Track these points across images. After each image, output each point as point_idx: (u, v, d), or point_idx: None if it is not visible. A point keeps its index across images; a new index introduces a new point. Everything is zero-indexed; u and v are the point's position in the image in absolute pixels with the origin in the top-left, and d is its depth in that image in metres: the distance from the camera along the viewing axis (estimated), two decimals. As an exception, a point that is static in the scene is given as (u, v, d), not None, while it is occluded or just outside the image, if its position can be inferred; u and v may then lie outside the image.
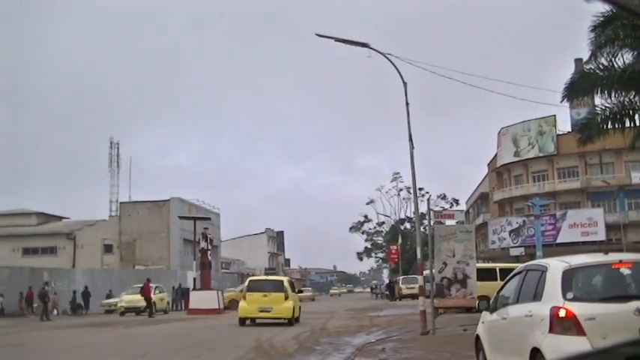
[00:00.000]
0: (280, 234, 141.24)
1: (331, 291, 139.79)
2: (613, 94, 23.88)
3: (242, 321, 29.32)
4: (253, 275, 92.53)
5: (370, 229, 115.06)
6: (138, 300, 43.36)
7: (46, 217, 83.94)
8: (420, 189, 71.93)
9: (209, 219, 64.31)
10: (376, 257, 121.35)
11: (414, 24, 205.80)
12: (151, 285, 43.42)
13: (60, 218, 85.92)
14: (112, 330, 29.32)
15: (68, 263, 71.57)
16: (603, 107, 24.86)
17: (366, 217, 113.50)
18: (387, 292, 76.70)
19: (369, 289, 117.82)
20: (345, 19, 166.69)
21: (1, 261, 67.21)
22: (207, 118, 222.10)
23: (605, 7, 23.23)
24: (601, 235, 66.33)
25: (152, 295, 43.04)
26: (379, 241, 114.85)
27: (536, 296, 8.96)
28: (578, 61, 45.56)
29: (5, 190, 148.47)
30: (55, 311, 46.96)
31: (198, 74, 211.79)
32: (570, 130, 69.75)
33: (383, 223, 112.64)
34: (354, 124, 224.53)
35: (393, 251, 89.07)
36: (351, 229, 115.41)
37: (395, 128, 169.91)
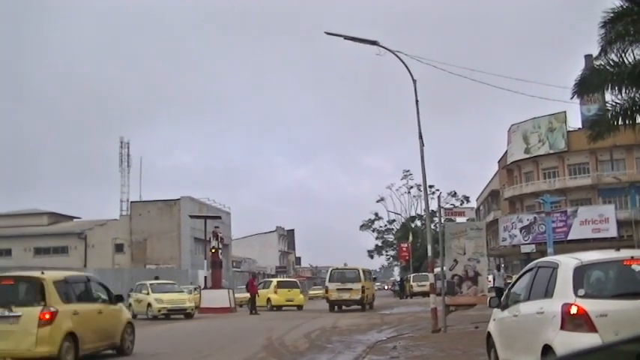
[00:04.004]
0: (291, 232, 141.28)
1: (310, 292, 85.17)
2: (624, 90, 23.83)
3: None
4: (264, 274, 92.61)
5: (381, 226, 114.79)
6: (182, 300, 38.33)
7: (57, 217, 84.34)
8: (431, 186, 71.93)
9: (220, 218, 64.31)
10: (387, 255, 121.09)
11: (415, 21, 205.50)
12: (255, 282, 43.59)
13: (71, 218, 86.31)
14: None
15: (79, 263, 71.80)
16: (614, 103, 24.80)
17: (376, 214, 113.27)
18: (397, 290, 76.74)
19: (384, 287, 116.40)
20: (349, 18, 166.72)
21: (13, 261, 67.56)
22: (213, 117, 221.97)
23: (616, 3, 23.21)
24: (612, 232, 66.16)
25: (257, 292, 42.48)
26: (390, 239, 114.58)
27: (548, 293, 8.95)
28: (588, 57, 45.31)
29: (16, 191, 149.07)
30: None
31: (204, 73, 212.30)
32: (581, 126, 69.57)
33: (394, 220, 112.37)
34: (360, 123, 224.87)
35: (404, 249, 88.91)
36: (361, 227, 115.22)
37: (401, 126, 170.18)
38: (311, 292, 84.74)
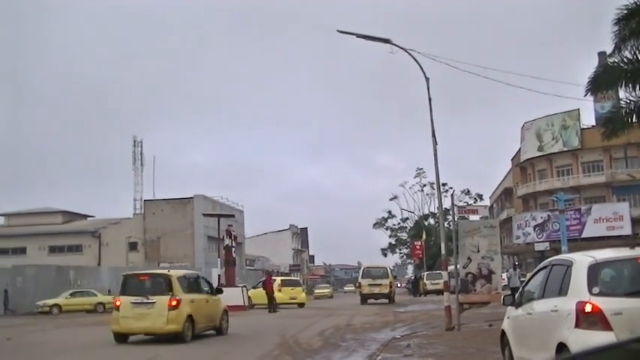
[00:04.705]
0: (304, 230, 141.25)
1: (316, 290, 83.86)
2: (637, 88, 23.74)
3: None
4: (278, 272, 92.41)
5: (394, 225, 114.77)
6: None
7: (71, 216, 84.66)
8: (444, 184, 71.68)
9: (233, 216, 64.36)
10: (400, 253, 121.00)
11: (416, 21, 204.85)
12: (272, 280, 43.62)
13: (85, 217, 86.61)
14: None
15: (93, 261, 72.15)
16: (628, 101, 24.74)
17: (389, 212, 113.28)
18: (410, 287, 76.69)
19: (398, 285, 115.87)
20: (351, 17, 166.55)
21: (28, 259, 67.96)
22: (225, 116, 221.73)
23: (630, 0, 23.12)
24: (627, 230, 65.80)
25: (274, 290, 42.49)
26: (403, 237, 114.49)
27: (562, 291, 8.92)
28: (601, 54, 45.20)
29: (31, 189, 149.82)
30: None
31: (215, 72, 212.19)
32: (594, 124, 69.34)
33: (407, 219, 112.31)
34: (372, 121, 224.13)
35: (418, 247, 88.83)
36: (375, 225, 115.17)
37: (413, 124, 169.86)
38: (317, 290, 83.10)
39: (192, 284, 22.38)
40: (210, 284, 24.30)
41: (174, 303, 20.14)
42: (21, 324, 35.08)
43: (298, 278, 68.14)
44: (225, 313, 23.80)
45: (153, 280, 21.57)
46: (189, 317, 20.60)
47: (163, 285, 20.86)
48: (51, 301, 47.53)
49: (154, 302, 20.26)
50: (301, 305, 46.65)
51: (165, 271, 23.01)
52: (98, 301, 48.70)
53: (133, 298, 20.51)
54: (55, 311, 46.33)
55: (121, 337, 20.70)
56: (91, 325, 32.17)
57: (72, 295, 48.61)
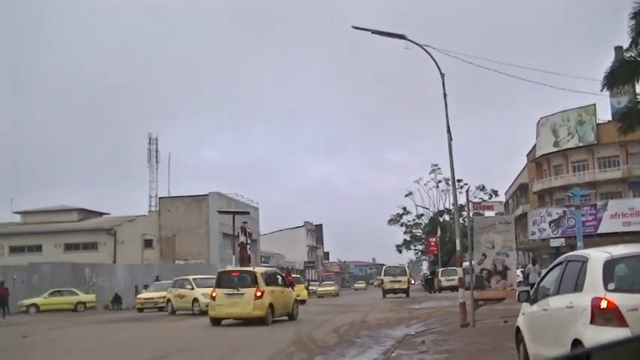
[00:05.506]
0: (319, 227, 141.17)
1: (320, 288, 79.20)
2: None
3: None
4: (293, 269, 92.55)
5: (409, 221, 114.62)
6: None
7: (87, 213, 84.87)
8: (459, 180, 71.43)
9: (248, 213, 64.40)
10: (415, 249, 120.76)
11: (420, 19, 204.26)
12: (291, 276, 44.20)
13: (100, 214, 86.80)
14: (153, 324, 29.57)
15: (109, 259, 72.39)
16: (645, 95, 24.55)
17: (404, 209, 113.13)
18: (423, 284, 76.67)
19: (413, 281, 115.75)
20: (357, 16, 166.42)
21: (44, 257, 68.26)
22: (239, 113, 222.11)
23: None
24: (643, 225, 65.40)
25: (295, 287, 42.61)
26: (418, 234, 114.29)
27: (577, 287, 8.86)
28: (618, 49, 44.88)
29: (46, 187, 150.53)
30: None
31: (229, 69, 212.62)
32: (611, 119, 68.92)
33: (422, 215, 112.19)
34: (386, 117, 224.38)
35: (432, 243, 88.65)
36: (389, 221, 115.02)
37: (427, 121, 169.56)
38: (320, 288, 79.38)
39: (272, 278, 27.20)
40: (284, 278, 29.64)
41: (259, 294, 24.91)
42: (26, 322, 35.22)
43: (299, 275, 70.07)
44: (295, 302, 28.92)
45: (242, 276, 26.54)
46: (271, 305, 25.29)
47: (250, 279, 25.70)
48: (28, 301, 46.75)
49: (243, 293, 25.10)
50: (302, 302, 45.45)
51: (251, 269, 28.67)
52: (79, 300, 48.15)
53: (226, 290, 25.53)
54: (32, 311, 45.46)
55: (216, 321, 25.64)
56: (106, 323, 32.32)
57: (51, 294, 47.37)
